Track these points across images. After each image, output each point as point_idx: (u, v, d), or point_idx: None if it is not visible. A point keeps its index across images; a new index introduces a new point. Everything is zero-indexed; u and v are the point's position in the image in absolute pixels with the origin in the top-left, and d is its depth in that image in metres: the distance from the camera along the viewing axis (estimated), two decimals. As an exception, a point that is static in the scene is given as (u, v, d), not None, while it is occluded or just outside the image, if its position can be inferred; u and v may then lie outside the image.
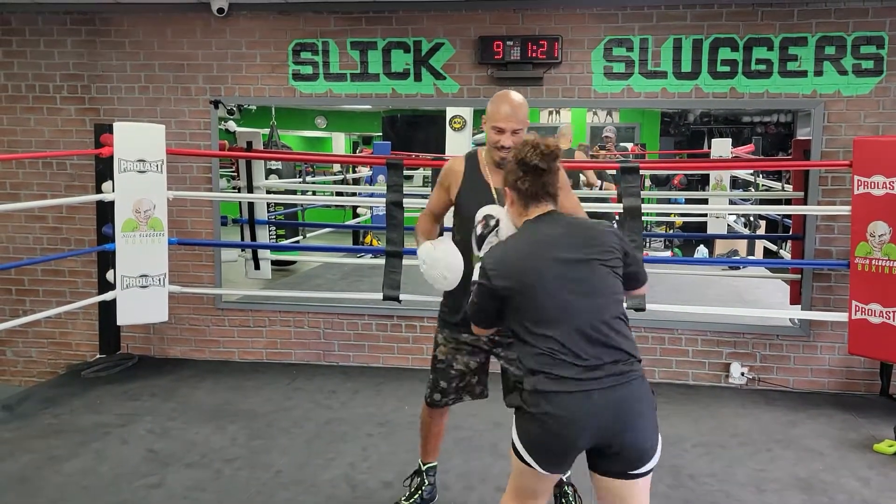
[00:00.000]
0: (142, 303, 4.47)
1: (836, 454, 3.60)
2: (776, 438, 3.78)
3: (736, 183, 8.03)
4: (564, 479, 2.80)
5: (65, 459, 3.45)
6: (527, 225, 2.11)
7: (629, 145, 9.14)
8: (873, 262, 3.90)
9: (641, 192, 7.10)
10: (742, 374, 4.57)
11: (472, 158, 2.69)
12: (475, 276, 2.18)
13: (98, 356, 5.02)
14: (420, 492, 2.92)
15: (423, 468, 2.94)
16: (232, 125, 6.77)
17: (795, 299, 4.86)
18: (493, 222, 2.26)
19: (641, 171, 4.71)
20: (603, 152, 8.25)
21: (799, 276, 4.69)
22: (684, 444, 3.67)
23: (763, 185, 7.09)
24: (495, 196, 2.53)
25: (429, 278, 2.56)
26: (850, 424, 4.00)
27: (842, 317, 4.12)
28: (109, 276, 4.63)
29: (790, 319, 4.66)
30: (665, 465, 3.41)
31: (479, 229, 2.30)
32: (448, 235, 2.69)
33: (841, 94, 4.37)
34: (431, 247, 2.55)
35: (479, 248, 2.28)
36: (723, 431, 3.86)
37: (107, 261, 4.69)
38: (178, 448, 3.60)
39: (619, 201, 4.12)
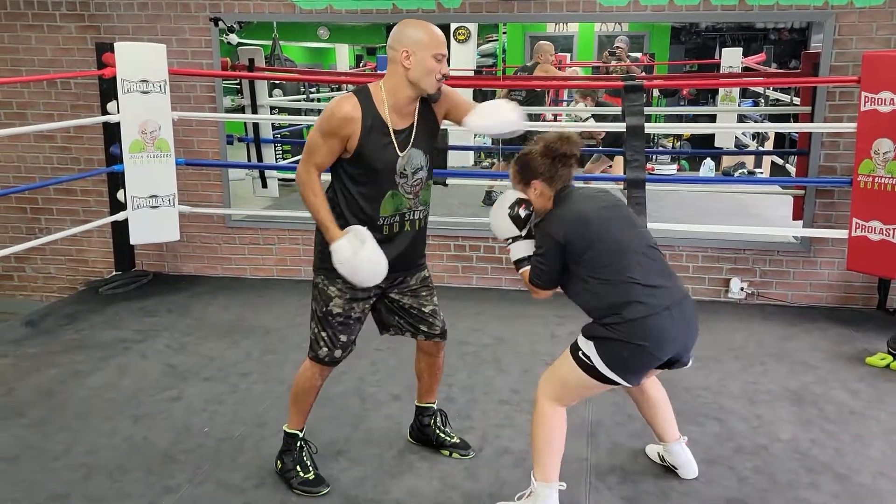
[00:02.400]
0: (153, 223, 4.57)
1: (829, 367, 3.72)
2: (771, 352, 3.90)
3: (745, 93, 7.90)
4: (436, 406, 2.90)
5: (88, 374, 3.62)
6: (562, 195, 2.41)
7: (638, 55, 8.95)
8: (876, 179, 3.92)
9: (649, 107, 7.06)
10: (741, 289, 4.66)
11: (366, 98, 2.33)
12: (532, 247, 2.43)
13: (114, 273, 5.15)
14: (310, 456, 2.67)
15: (302, 434, 2.66)
16: (234, 38, 6.66)
17: (798, 214, 4.89)
18: (531, 206, 2.46)
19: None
20: (614, 63, 8.11)
21: (803, 191, 4.71)
22: (681, 358, 3.80)
23: (772, 98, 6.98)
24: (393, 139, 2.35)
25: (346, 274, 2.34)
26: (844, 338, 4.10)
27: (842, 234, 4.18)
28: (120, 195, 4.70)
29: (793, 236, 4.71)
30: (661, 379, 3.51)
31: (521, 212, 2.44)
32: (355, 231, 2.34)
33: (853, 5, 4.25)
34: (351, 250, 2.30)
35: (523, 229, 2.46)
36: (719, 346, 3.98)
37: (116, 180, 4.75)
38: (196, 362, 3.76)
39: (623, 120, 4.11)
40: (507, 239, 2.49)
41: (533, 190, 2.44)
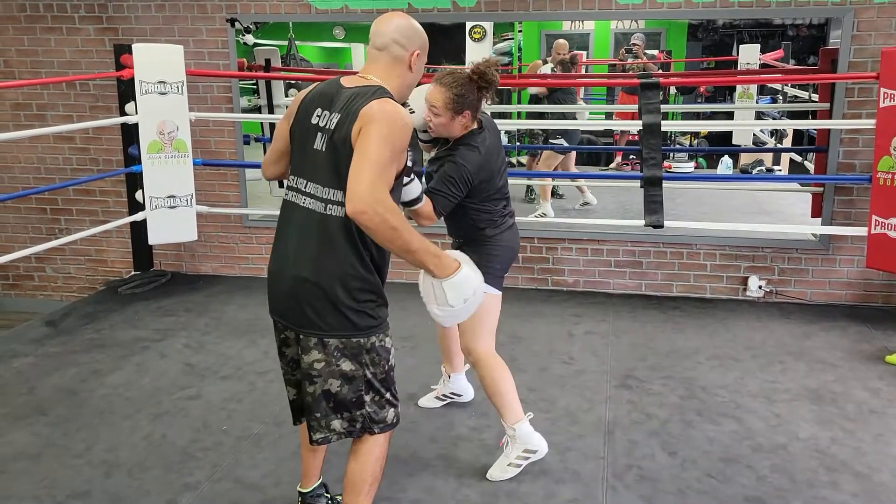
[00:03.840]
0: (171, 223, 4.61)
1: (848, 365, 3.69)
2: (789, 351, 3.88)
3: (763, 90, 7.84)
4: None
5: (108, 373, 3.66)
6: (478, 130, 2.54)
7: (655, 52, 8.91)
8: (895, 176, 3.87)
9: (666, 104, 7.01)
10: (760, 287, 4.62)
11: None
12: (447, 174, 2.48)
13: (133, 273, 5.20)
14: None
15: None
16: (250, 39, 6.72)
17: (817, 212, 4.85)
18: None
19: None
20: (631, 60, 8.09)
21: (821, 189, 4.67)
22: (698, 357, 3.79)
23: (790, 95, 6.92)
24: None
25: (469, 309, 2.08)
26: (864, 336, 4.07)
27: (862, 231, 4.14)
28: (138, 196, 4.75)
29: (812, 234, 4.67)
30: (678, 377, 3.54)
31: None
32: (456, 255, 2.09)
33: (872, 0, 4.21)
34: (477, 278, 2.06)
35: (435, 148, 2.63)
36: (737, 344, 3.96)
37: (135, 181, 4.79)
38: (214, 361, 3.79)
39: (640, 117, 4.09)
40: (410, 175, 2.20)
41: (461, 119, 2.44)
